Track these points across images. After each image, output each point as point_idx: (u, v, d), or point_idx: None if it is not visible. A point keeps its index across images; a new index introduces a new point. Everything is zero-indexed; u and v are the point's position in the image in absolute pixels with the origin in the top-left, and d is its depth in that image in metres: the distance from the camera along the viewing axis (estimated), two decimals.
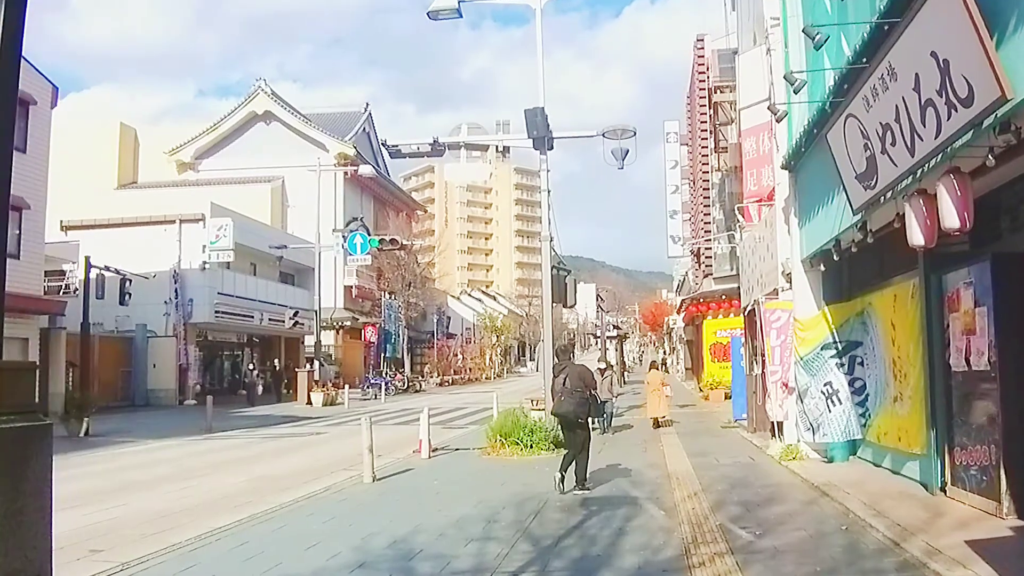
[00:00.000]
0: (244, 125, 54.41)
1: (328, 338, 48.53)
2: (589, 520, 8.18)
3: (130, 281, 29.59)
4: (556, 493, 9.68)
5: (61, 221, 34.92)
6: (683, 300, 37.22)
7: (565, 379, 10.25)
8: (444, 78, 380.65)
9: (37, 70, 27.12)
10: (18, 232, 26.24)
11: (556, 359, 11.53)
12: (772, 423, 13.32)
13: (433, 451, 14.66)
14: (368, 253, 34.41)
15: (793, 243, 12.28)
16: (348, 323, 49.67)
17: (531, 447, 13.72)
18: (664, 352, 77.53)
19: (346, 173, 50.13)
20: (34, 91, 26.66)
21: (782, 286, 12.83)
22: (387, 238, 33.55)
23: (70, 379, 28.92)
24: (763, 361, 14.07)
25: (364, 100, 60.40)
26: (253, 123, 54.25)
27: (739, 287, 18.64)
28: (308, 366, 35.66)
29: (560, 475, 9.95)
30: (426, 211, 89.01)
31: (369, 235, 34.78)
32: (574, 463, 10.13)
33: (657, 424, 18.86)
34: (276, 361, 40.37)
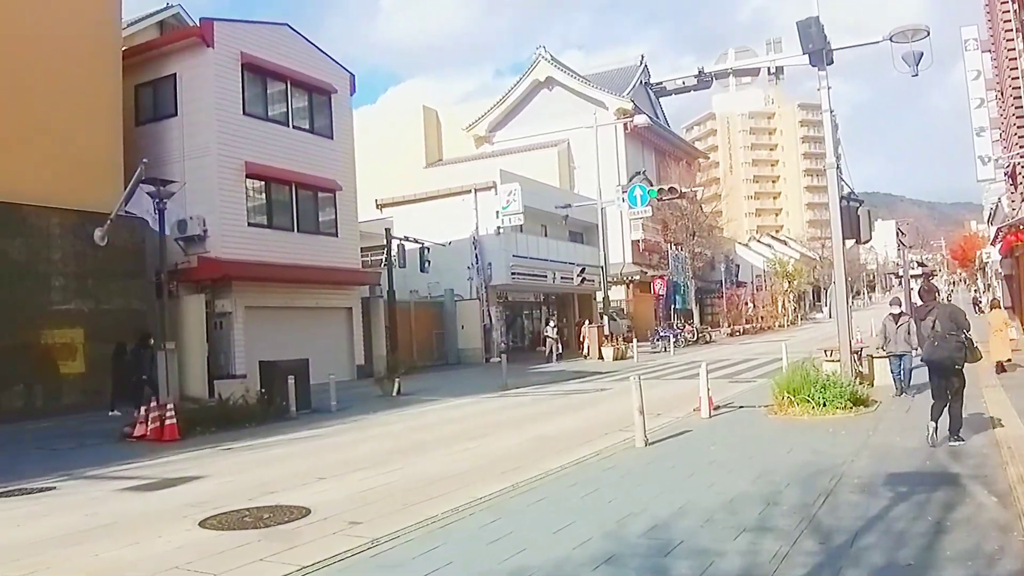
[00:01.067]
0: (529, 94, 55.18)
1: (618, 293, 48.30)
2: (895, 508, 6.41)
3: (428, 249, 30.90)
4: (848, 466, 8.18)
5: (376, 200, 37.38)
6: (998, 229, 32.49)
7: (934, 322, 9.18)
8: (721, 22, 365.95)
9: (334, 60, 28.68)
10: (334, 212, 28.24)
11: (920, 300, 10.28)
12: None
13: (715, 409, 13.44)
14: (648, 205, 33.37)
15: None
16: (637, 277, 49.03)
17: (824, 405, 11.99)
18: (976, 290, 69.58)
19: (626, 127, 49.22)
20: (333, 80, 28.28)
21: None
22: (666, 187, 32.23)
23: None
24: None
25: (639, 55, 58.82)
26: (537, 91, 54.85)
27: None
28: (599, 321, 35.52)
29: (933, 425, 9.12)
30: (708, 159, 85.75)
31: (651, 187, 33.68)
32: (945, 412, 9.21)
33: (1001, 368, 16.48)
34: (562, 320, 40.78)
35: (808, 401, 12.21)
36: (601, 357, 31.32)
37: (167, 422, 14.25)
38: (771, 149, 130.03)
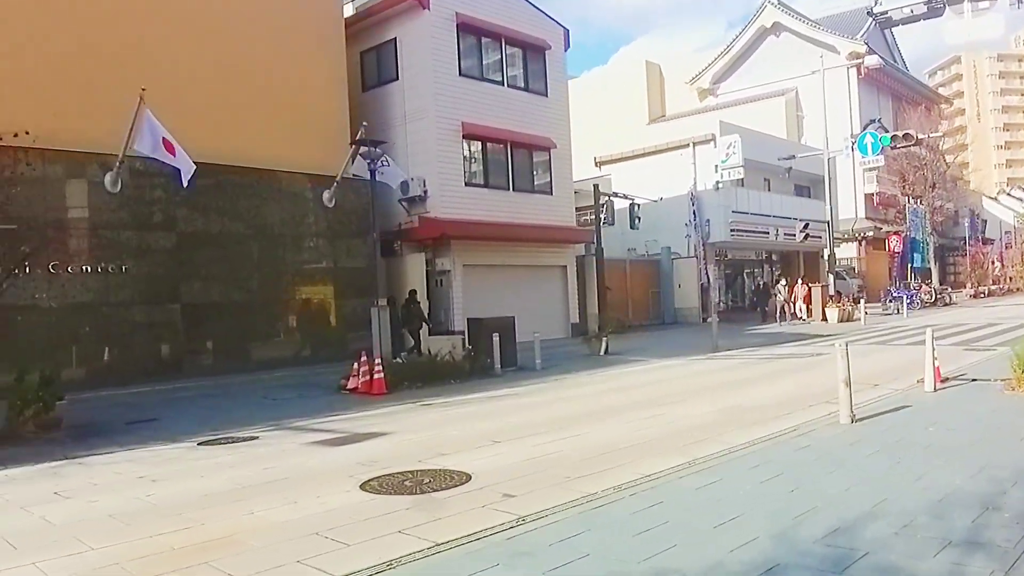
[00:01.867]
0: (755, 42, 51.67)
1: (849, 250, 44.48)
2: None
3: (638, 206, 29.40)
4: None
5: (595, 157, 36.23)
6: None
7: None
8: None
9: (547, 15, 27.63)
10: (548, 171, 27.36)
11: None
12: None
13: (942, 382, 11.46)
14: (881, 153, 29.80)
15: None
16: (870, 233, 44.80)
17: None
18: None
19: (859, 71, 44.80)
20: (547, 36, 27.20)
21: None
22: (900, 134, 28.49)
23: (601, 302, 29.75)
24: None
25: None
26: (763, 38, 51.19)
27: None
28: (824, 280, 32.47)
29: None
30: (951, 104, 76.90)
31: (884, 134, 30.01)
32: None
33: None
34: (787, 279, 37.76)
35: None
36: (825, 319, 28.65)
37: (375, 376, 14.37)
38: None
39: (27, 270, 14.37)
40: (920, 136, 31.64)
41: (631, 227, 29.88)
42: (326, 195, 21.63)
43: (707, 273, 32.07)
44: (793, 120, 45.76)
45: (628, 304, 31.28)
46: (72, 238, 17.16)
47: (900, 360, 15.64)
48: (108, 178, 17.37)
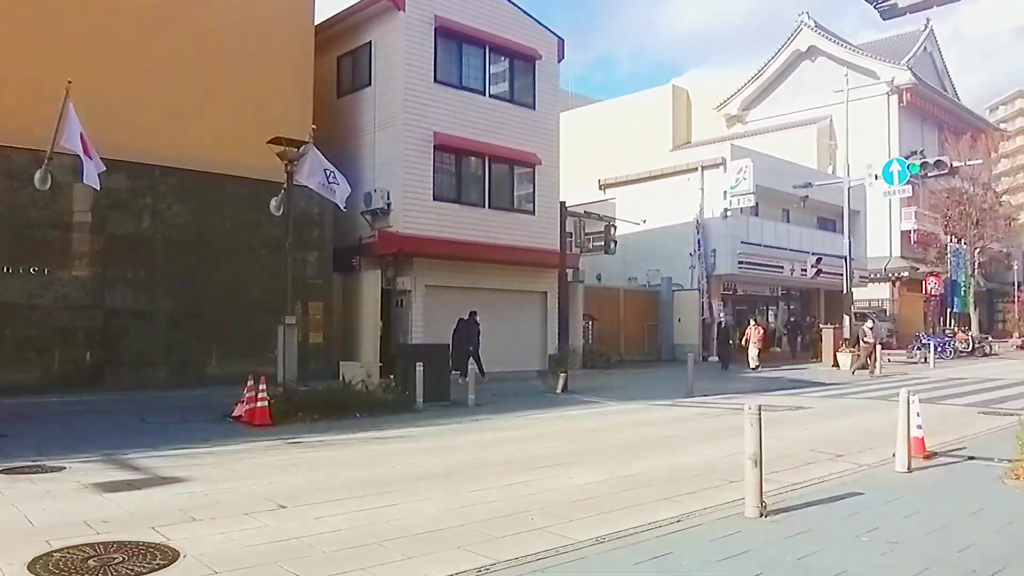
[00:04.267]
0: (788, 67, 49.69)
1: (882, 291, 42.17)
2: None
3: (615, 228, 27.72)
4: None
5: (599, 180, 34.75)
6: None
7: None
8: None
9: (540, 23, 26.14)
10: (532, 188, 25.84)
11: None
12: None
13: (927, 457, 9.44)
14: (908, 183, 27.71)
15: None
16: (905, 273, 42.43)
17: None
18: None
19: (900, 98, 42.77)
20: (538, 46, 25.77)
21: None
22: (931, 161, 26.37)
23: (590, 332, 28.17)
24: None
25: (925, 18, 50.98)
26: (797, 63, 49.20)
27: None
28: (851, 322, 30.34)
29: None
30: (1005, 135, 73.56)
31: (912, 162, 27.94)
32: None
33: None
34: (806, 319, 35.66)
35: None
36: (836, 364, 26.52)
37: (259, 405, 12.88)
38: None
39: None
40: (956, 164, 29.52)
41: (606, 252, 28.13)
42: (273, 203, 20.39)
43: (710, 307, 30.18)
44: (825, 150, 43.72)
45: (620, 337, 29.52)
46: None
47: (890, 422, 13.69)
48: (38, 175, 16.58)
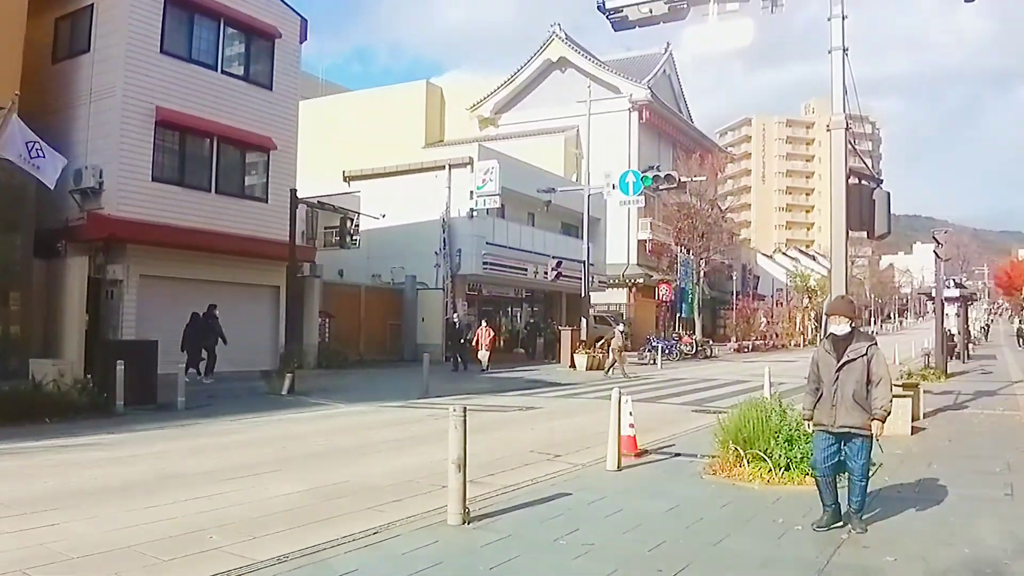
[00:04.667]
0: (540, 75, 51.13)
1: (620, 296, 44.24)
2: None
3: (352, 221, 26.92)
4: None
5: (343, 172, 33.55)
6: None
7: None
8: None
9: (282, 0, 24.86)
10: (266, 175, 24.35)
11: None
12: None
13: (638, 455, 9.49)
14: (642, 193, 29.11)
15: None
16: (641, 280, 44.86)
17: (788, 468, 7.84)
18: (1021, 321, 64.43)
19: (640, 115, 45.33)
20: (279, 24, 24.36)
21: None
22: (662, 174, 27.90)
23: (326, 330, 27.00)
24: None
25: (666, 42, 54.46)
26: (548, 72, 50.74)
27: None
28: (589, 325, 31.30)
29: None
30: (732, 159, 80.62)
31: (646, 175, 29.37)
32: None
33: None
34: (548, 320, 36.64)
35: (763, 459, 8.01)
36: (573, 365, 27.21)
37: None
38: (807, 160, 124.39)
39: None
40: (683, 179, 31.43)
41: (342, 246, 27.22)
42: None
43: (455, 307, 29.99)
44: (572, 158, 45.34)
45: (361, 336, 28.60)
46: None
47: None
48: None
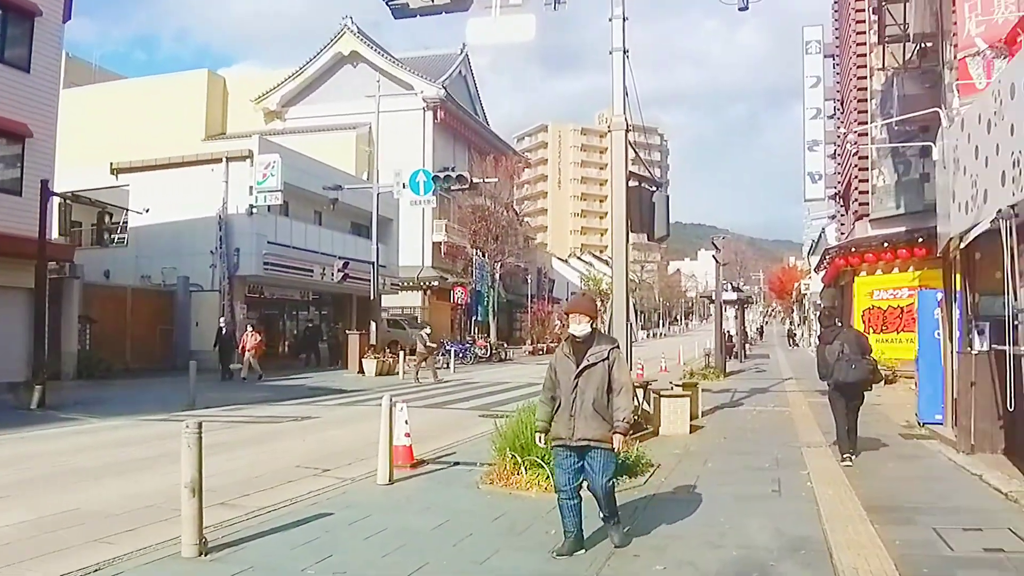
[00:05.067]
0: (331, 68, 49.60)
1: (414, 299, 43.45)
2: None
3: (111, 216, 24.76)
4: None
5: (111, 163, 30.63)
6: (825, 252, 29.63)
7: (843, 345, 9.42)
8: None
9: None
10: (19, 165, 21.72)
11: (821, 324, 10.88)
12: None
13: (415, 466, 8.80)
14: (434, 193, 28.49)
15: None
16: (436, 283, 44.29)
17: None
18: (791, 324, 69.46)
19: (435, 116, 44.86)
20: (39, 0, 21.87)
21: None
22: (452, 175, 27.44)
23: (87, 337, 24.43)
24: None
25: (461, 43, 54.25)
26: (340, 66, 49.30)
27: (929, 216, 12.13)
28: (379, 329, 30.20)
29: (851, 455, 9.20)
30: (529, 163, 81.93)
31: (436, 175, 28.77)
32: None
33: None
34: (337, 324, 35.26)
35: (541, 466, 7.59)
36: (362, 371, 26.11)
37: None
38: (601, 168, 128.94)
39: None
40: (475, 180, 31.16)
41: (102, 244, 24.92)
42: None
43: (232, 311, 27.99)
44: (364, 156, 44.08)
45: (127, 343, 26.19)
46: None
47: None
48: None
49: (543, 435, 5.86)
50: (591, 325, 5.81)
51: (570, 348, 5.81)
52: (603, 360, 5.65)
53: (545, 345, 46.89)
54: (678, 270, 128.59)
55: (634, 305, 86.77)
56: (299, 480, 8.68)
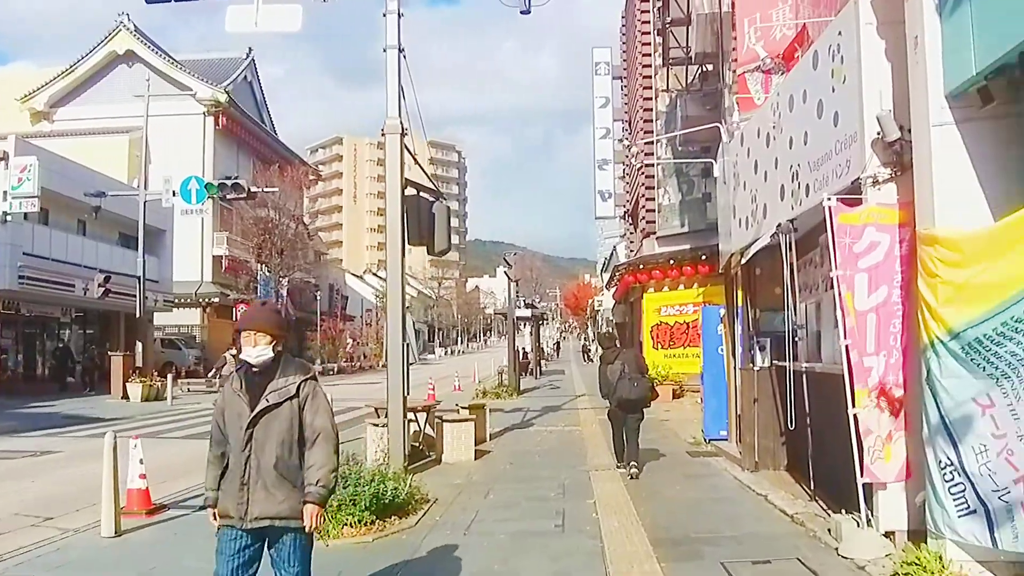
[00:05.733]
0: (105, 68, 45.85)
1: (192, 316, 40.87)
2: None
3: None
4: None
5: None
6: (616, 269, 30.49)
7: (624, 365, 9.78)
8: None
9: None
10: None
11: (602, 346, 11.14)
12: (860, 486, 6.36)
13: (152, 512, 7.78)
14: (210, 200, 26.84)
15: (928, 64, 5.29)
16: (217, 299, 41.84)
17: (333, 516, 6.61)
18: (586, 339, 71.53)
19: (216, 121, 42.68)
20: None
21: (874, 174, 5.90)
22: (229, 183, 25.92)
23: None
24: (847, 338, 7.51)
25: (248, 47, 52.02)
26: (114, 65, 45.68)
27: (711, 234, 12.41)
28: (147, 349, 27.95)
29: (636, 466, 9.54)
30: (320, 176, 79.76)
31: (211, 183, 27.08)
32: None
33: None
34: (104, 345, 32.47)
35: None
36: (126, 395, 23.99)
37: None
38: None
39: None
40: (254, 189, 29.69)
41: None
42: None
43: None
44: (136, 163, 41.05)
45: None
46: None
47: (152, 466, 11.58)
48: None
49: (212, 510, 4.09)
50: (273, 348, 4.07)
51: (242, 382, 4.05)
52: (290, 399, 3.99)
53: (336, 365, 45.59)
54: (476, 287, 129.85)
55: (432, 322, 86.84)
56: (13, 532, 7.45)
